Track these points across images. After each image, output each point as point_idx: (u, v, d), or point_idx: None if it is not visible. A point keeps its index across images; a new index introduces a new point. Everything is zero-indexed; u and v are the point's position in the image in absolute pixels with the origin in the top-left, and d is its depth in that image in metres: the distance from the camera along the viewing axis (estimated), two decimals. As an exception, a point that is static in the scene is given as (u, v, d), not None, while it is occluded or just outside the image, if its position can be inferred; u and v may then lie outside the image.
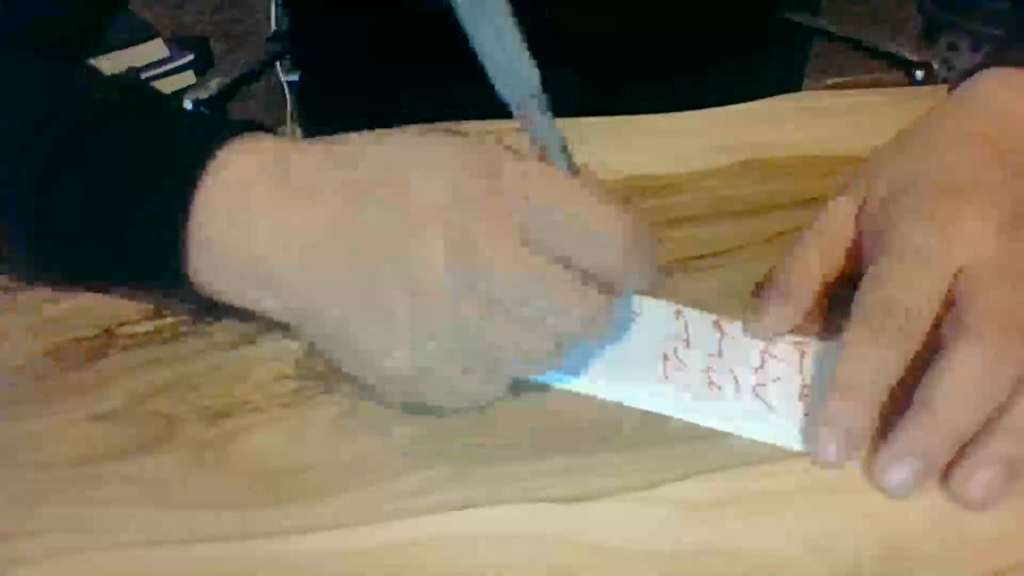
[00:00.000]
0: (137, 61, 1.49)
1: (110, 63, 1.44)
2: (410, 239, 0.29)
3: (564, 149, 0.30)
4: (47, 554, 0.28)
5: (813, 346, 0.36)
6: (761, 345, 0.36)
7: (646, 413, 0.33)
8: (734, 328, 0.37)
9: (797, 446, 0.32)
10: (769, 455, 0.32)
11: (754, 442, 0.32)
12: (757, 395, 0.34)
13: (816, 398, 0.33)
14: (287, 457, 0.31)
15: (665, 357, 0.35)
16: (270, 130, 0.35)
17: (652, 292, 0.38)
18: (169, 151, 0.33)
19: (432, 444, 0.32)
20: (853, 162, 0.46)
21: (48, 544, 0.28)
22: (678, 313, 0.37)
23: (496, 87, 0.28)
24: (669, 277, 0.39)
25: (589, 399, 0.34)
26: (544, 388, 0.34)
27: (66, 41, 0.49)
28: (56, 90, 0.37)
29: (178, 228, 0.32)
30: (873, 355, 0.31)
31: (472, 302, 0.28)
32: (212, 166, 0.32)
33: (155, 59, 1.52)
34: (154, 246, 0.32)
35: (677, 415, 0.33)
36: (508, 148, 0.30)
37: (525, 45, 0.27)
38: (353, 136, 0.32)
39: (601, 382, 0.34)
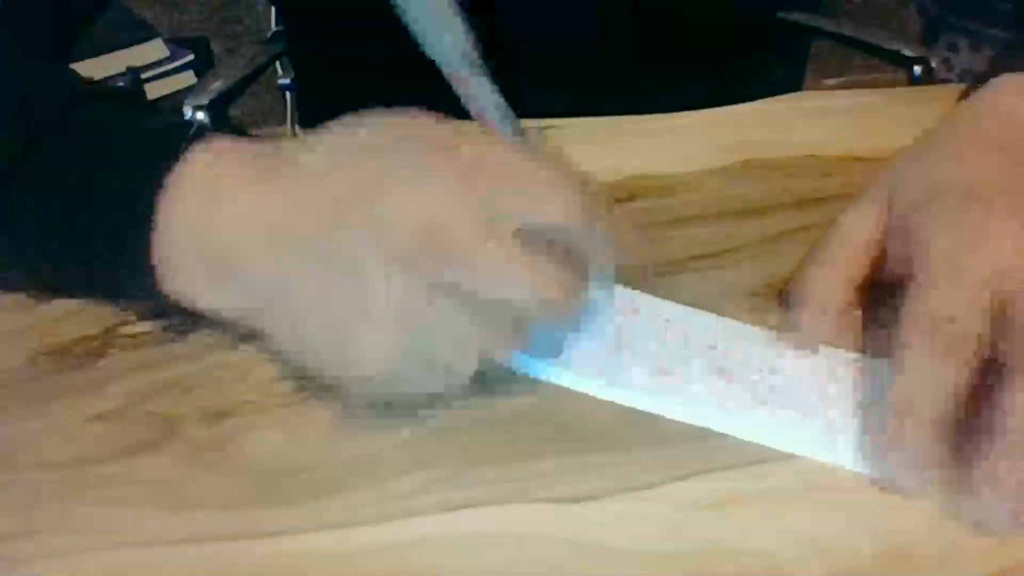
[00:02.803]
0: (137, 61, 1.48)
1: (110, 63, 1.44)
2: (375, 203, 0.29)
3: (504, 111, 0.30)
4: (47, 554, 0.28)
5: (871, 364, 0.35)
6: (822, 364, 0.35)
7: (647, 413, 0.33)
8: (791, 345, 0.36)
9: (866, 470, 0.31)
10: (769, 455, 0.32)
11: (754, 442, 0.32)
12: (818, 414, 0.33)
13: (879, 418, 0.32)
14: (287, 457, 0.31)
15: (715, 368, 0.35)
16: (243, 132, 0.35)
17: (653, 290, 0.38)
18: (135, 159, 0.33)
19: (432, 444, 0.32)
20: (853, 162, 0.47)
21: (48, 544, 0.28)
22: (734, 329, 0.36)
23: (427, 53, 0.28)
24: (667, 277, 0.39)
25: (589, 399, 0.34)
26: (545, 387, 0.34)
27: (55, 34, 0.49)
28: (20, 86, 0.37)
29: (143, 244, 0.32)
30: (932, 371, 0.30)
31: (434, 295, 0.29)
32: (177, 170, 0.32)
33: (155, 59, 1.52)
34: (122, 260, 0.32)
35: (734, 433, 0.32)
36: (450, 124, 0.30)
37: (455, 10, 0.27)
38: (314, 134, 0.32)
39: (654, 395, 0.33)
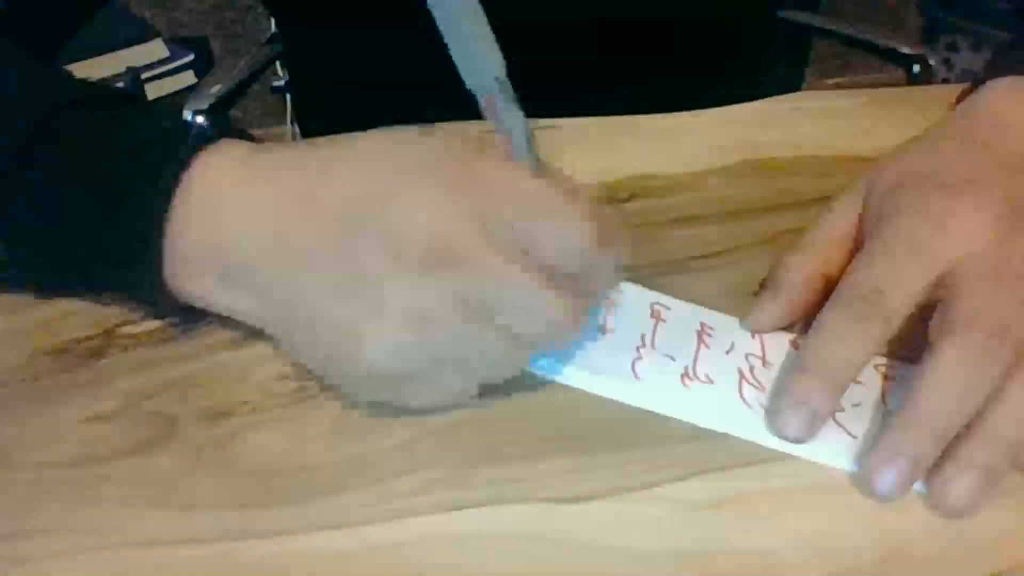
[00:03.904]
0: (137, 61, 1.49)
1: (110, 63, 1.44)
2: (386, 206, 0.29)
3: (530, 140, 0.30)
4: (47, 554, 0.28)
5: (896, 368, 0.34)
6: None
7: (647, 413, 0.33)
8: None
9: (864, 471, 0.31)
10: (769, 455, 0.32)
11: (754, 442, 0.32)
12: (836, 421, 0.32)
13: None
14: (287, 457, 0.31)
15: (741, 375, 0.34)
16: (249, 136, 0.35)
17: (653, 290, 0.38)
18: (144, 159, 0.33)
19: (432, 444, 0.32)
20: (853, 162, 0.47)
21: (48, 544, 0.28)
22: (755, 332, 0.36)
23: (461, 76, 0.28)
24: (667, 277, 0.39)
25: (589, 399, 0.33)
26: (545, 387, 0.34)
27: (55, 33, 0.49)
28: (22, 83, 0.37)
29: (152, 244, 0.32)
30: (843, 336, 0.31)
31: (445, 304, 0.29)
32: (186, 178, 0.32)
33: (155, 59, 1.52)
34: (129, 259, 0.33)
35: (752, 439, 0.32)
36: (477, 147, 0.30)
37: (491, 34, 0.27)
38: (324, 139, 0.32)
39: (671, 397, 0.33)
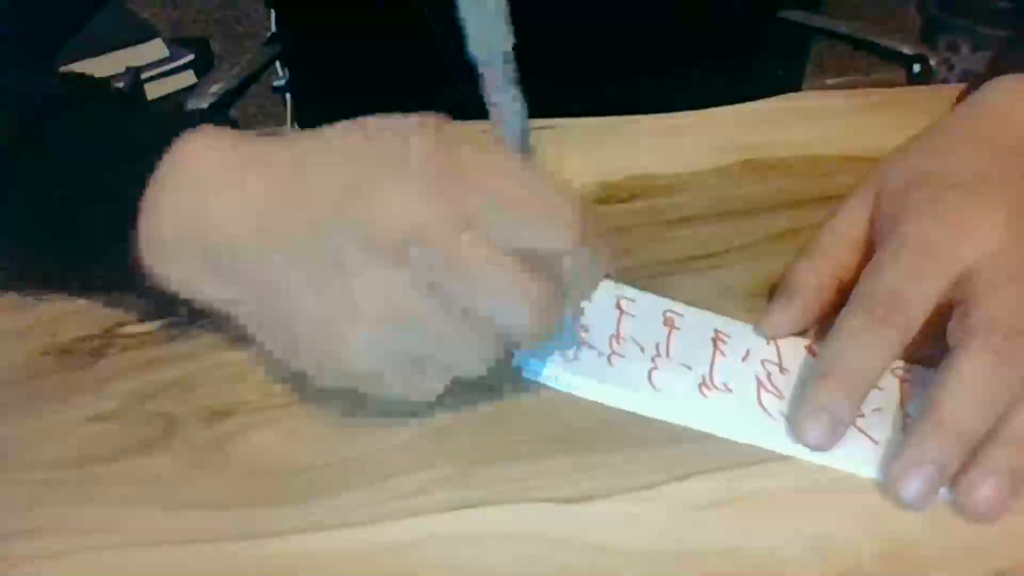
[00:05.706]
0: (137, 61, 1.48)
1: (110, 63, 1.44)
2: (364, 196, 0.28)
3: (524, 123, 0.30)
4: (47, 554, 0.28)
5: (914, 372, 0.34)
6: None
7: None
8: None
9: (865, 473, 0.31)
10: (769, 455, 0.31)
11: (774, 450, 0.32)
12: (858, 428, 0.32)
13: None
14: (287, 457, 0.31)
15: (759, 382, 0.34)
16: (234, 124, 0.35)
17: (652, 291, 0.38)
18: (124, 142, 0.33)
19: (432, 444, 0.32)
20: (853, 162, 0.47)
21: (48, 544, 0.28)
22: (771, 338, 0.36)
23: (468, 46, 0.28)
24: (667, 277, 0.39)
25: (590, 399, 0.34)
26: (545, 387, 0.34)
27: (51, 31, 0.49)
28: (12, 80, 0.37)
29: (129, 220, 0.32)
30: (861, 340, 0.31)
31: (418, 298, 0.28)
32: (168, 156, 0.32)
33: (155, 59, 1.52)
34: (106, 238, 0.32)
35: (774, 448, 0.32)
36: (463, 132, 0.30)
37: (507, 11, 0.27)
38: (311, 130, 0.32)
39: (689, 407, 0.33)
